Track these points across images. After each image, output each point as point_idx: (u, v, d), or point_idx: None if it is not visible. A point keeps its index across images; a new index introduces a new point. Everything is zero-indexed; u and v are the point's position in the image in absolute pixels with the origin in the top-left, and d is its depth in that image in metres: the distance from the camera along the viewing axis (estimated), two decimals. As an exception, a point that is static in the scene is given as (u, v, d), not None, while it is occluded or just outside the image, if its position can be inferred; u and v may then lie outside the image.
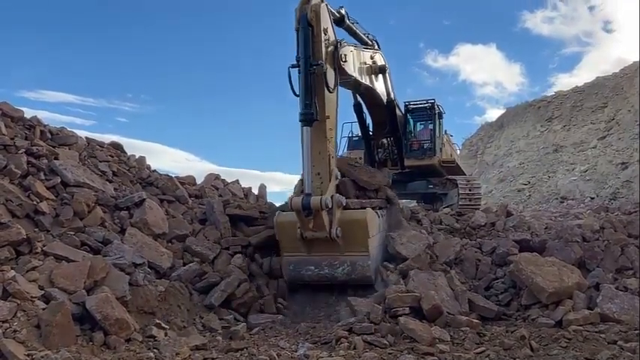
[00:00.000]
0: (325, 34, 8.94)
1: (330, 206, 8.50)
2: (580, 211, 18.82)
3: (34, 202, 8.01)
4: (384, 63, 12.54)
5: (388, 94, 13.35)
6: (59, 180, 8.87)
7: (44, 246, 7.35)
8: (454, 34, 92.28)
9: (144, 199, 9.41)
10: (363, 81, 11.31)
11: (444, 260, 9.36)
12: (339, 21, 10.69)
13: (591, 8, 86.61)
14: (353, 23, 11.56)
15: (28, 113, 10.38)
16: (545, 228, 11.28)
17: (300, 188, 9.12)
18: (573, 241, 9.39)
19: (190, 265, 8.69)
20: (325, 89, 8.77)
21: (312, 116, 8.42)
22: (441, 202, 17.13)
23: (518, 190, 32.87)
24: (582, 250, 9.18)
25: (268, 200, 14.83)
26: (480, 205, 16.24)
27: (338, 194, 8.94)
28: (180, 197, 11.01)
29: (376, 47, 12.71)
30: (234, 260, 9.18)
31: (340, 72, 9.44)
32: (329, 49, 9.05)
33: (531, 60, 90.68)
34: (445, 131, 17.88)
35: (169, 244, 9.22)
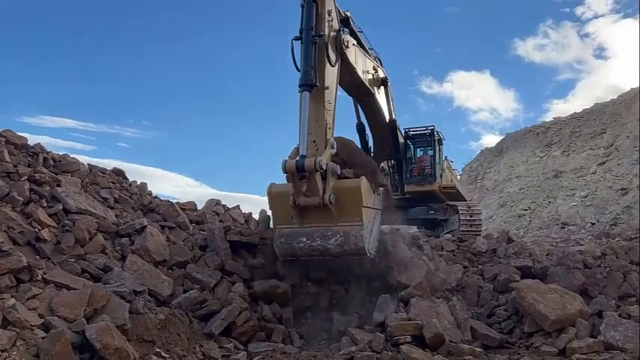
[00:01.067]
0: (329, 16, 9.19)
1: (324, 167, 8.31)
2: (581, 237, 18.81)
3: (36, 230, 8.01)
4: (385, 76, 12.72)
5: (390, 112, 13.47)
6: (61, 207, 8.88)
7: (45, 274, 7.32)
8: (447, 61, 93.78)
9: (145, 226, 9.41)
10: (364, 79, 11.37)
11: (445, 287, 9.33)
12: (343, 21, 10.75)
13: (585, 36, 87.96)
14: (359, 32, 11.73)
15: (29, 139, 10.51)
16: (547, 254, 11.27)
17: (295, 155, 8.81)
18: (575, 268, 9.37)
19: (191, 292, 8.63)
20: (326, 61, 8.90)
21: (311, 81, 8.49)
22: (442, 228, 17.16)
23: (519, 216, 32.87)
24: (584, 277, 9.15)
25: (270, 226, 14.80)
26: (480, 231, 16.27)
27: (333, 163, 8.75)
28: (181, 223, 11.01)
29: (378, 63, 12.88)
30: (235, 288, 9.12)
31: (342, 58, 9.61)
32: (332, 29, 9.23)
33: (525, 86, 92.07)
34: (446, 157, 18.01)
35: (170, 270, 9.18)
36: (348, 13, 11.09)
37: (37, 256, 7.75)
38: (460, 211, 16.21)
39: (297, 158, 8.28)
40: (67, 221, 8.68)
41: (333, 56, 9.23)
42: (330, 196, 8.43)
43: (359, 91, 12.22)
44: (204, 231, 11.06)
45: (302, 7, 8.90)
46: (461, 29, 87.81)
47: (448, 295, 8.96)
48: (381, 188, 9.92)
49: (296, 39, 8.87)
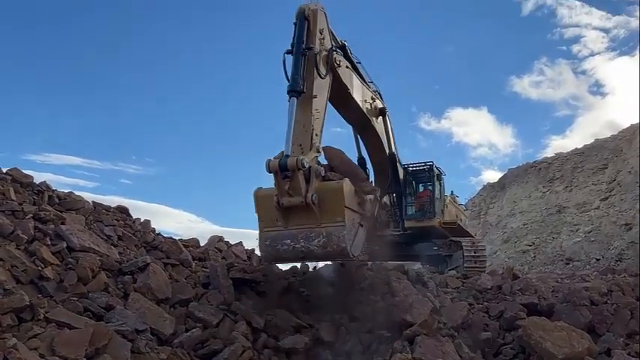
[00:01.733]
0: (321, 34, 9.74)
1: (306, 166, 8.40)
2: (586, 273, 18.62)
3: (39, 268, 8.00)
4: (384, 107, 13.02)
5: (389, 144, 13.59)
6: (65, 245, 8.89)
7: (47, 312, 7.27)
8: (445, 98, 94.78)
9: (148, 264, 9.39)
10: (362, 107, 11.75)
11: (451, 325, 9.21)
12: (339, 48, 11.14)
13: (582, 73, 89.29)
14: (357, 62, 12.03)
15: (35, 176, 10.63)
16: (553, 291, 11.15)
17: (280, 157, 8.91)
18: (582, 305, 9.27)
19: (193, 331, 8.54)
20: (315, 72, 9.30)
21: (298, 88, 8.89)
22: (446, 264, 17.03)
23: (523, 252, 32.66)
24: (591, 314, 9.05)
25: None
26: (485, 267, 16.15)
27: (318, 166, 8.87)
28: (184, 261, 10.97)
29: (378, 95, 13.08)
30: (237, 326, 9.02)
31: (334, 76, 10.13)
32: (323, 46, 9.74)
33: (523, 122, 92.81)
34: (451, 192, 18.03)
35: (172, 308, 9.11)
36: (346, 42, 11.43)
37: (39, 295, 7.71)
38: (464, 247, 16.12)
39: (281, 158, 8.47)
40: (70, 259, 8.67)
41: (323, 70, 9.62)
42: (312, 195, 8.47)
43: (357, 118, 12.51)
44: (206, 268, 11.02)
45: (295, 24, 9.45)
46: (457, 67, 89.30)
47: (454, 334, 8.83)
48: (371, 196, 9.93)
49: (288, 52, 9.33)
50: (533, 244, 32.96)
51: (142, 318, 8.06)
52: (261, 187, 9.24)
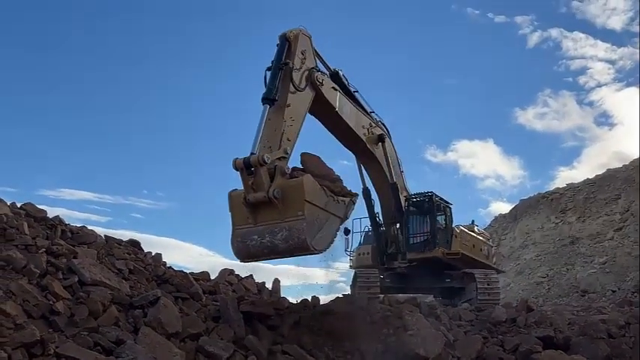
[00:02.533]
0: (302, 55, 10.45)
1: (267, 161, 8.86)
2: (603, 305, 18.24)
3: (51, 302, 8.02)
4: (382, 133, 13.40)
5: (390, 172, 13.67)
6: (77, 279, 8.92)
7: (57, 347, 7.24)
8: (450, 130, 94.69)
9: (159, 298, 9.36)
10: (357, 131, 12.37)
11: (465, 359, 9.03)
12: (332, 75, 11.98)
13: (589, 104, 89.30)
14: (354, 91, 12.73)
15: (48, 211, 10.74)
16: (569, 324, 10.93)
17: None
18: (599, 338, 9.10)
19: (203, 366, 8.46)
20: (290, 84, 10.02)
21: (272, 96, 9.62)
22: (459, 296, 16.74)
23: (537, 283, 32.12)
24: (609, 347, 8.84)
25: (282, 295, 14.65)
26: (499, 299, 15.84)
27: (282, 164, 9.36)
28: (195, 294, 10.92)
29: (379, 124, 13.54)
30: (248, 361, 8.92)
31: (318, 94, 10.84)
32: (305, 65, 10.50)
33: (530, 154, 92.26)
34: (472, 221, 17.88)
35: (182, 343, 9.03)
36: (340, 71, 12.16)
37: (50, 329, 7.70)
38: (477, 279, 15.86)
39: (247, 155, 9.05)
40: (81, 293, 8.69)
41: (302, 84, 10.39)
42: (274, 190, 8.89)
43: (353, 143, 13.03)
44: (217, 301, 10.96)
45: (277, 45, 10.24)
46: (460, 100, 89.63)
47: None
48: (345, 198, 10.15)
49: (268, 69, 10.06)
50: (547, 275, 32.42)
51: (151, 353, 7.98)
52: (236, 189, 9.65)
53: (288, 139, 9.82)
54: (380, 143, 13.46)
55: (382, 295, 13.35)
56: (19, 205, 10.64)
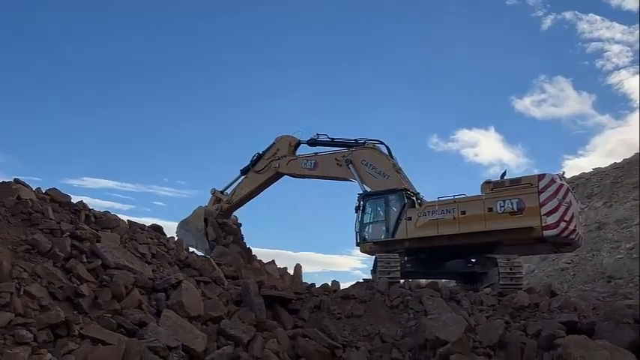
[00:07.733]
0: (276, 154, 17.34)
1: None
2: (629, 291, 17.88)
3: (75, 285, 8.19)
4: (348, 158, 16.03)
5: (361, 184, 15.72)
6: (100, 262, 9.08)
7: (81, 329, 7.41)
8: (450, 120, 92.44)
9: (181, 281, 9.48)
10: (321, 172, 16.70)
11: (487, 344, 8.94)
12: (311, 143, 17.20)
13: (607, 87, 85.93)
14: (332, 139, 16.95)
15: (73, 199, 10.91)
16: (593, 309, 10.70)
17: None
18: (625, 323, 8.87)
19: (224, 348, 8.53)
20: (252, 170, 17.63)
21: (245, 170, 17.89)
22: (480, 281, 16.56)
23: (562, 270, 31.55)
24: (635, 333, 8.64)
25: (304, 281, 14.74)
26: (522, 284, 15.57)
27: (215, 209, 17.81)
28: (217, 278, 11.04)
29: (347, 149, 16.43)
30: (269, 344, 8.98)
31: (278, 172, 17.30)
32: (275, 157, 17.42)
33: (532, 141, 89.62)
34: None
35: (204, 326, 9.15)
36: (316, 136, 17.10)
37: (75, 311, 7.88)
38: (499, 264, 15.65)
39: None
40: (105, 276, 8.84)
41: (262, 167, 17.52)
42: None
43: (333, 178, 16.74)
44: (239, 286, 11.06)
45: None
46: (459, 88, 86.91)
47: (489, 352, 8.58)
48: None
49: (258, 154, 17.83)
50: (573, 261, 31.82)
51: (174, 335, 8.11)
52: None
53: (236, 194, 17.84)
54: (350, 165, 15.81)
55: (403, 280, 13.29)
56: (44, 190, 10.85)
